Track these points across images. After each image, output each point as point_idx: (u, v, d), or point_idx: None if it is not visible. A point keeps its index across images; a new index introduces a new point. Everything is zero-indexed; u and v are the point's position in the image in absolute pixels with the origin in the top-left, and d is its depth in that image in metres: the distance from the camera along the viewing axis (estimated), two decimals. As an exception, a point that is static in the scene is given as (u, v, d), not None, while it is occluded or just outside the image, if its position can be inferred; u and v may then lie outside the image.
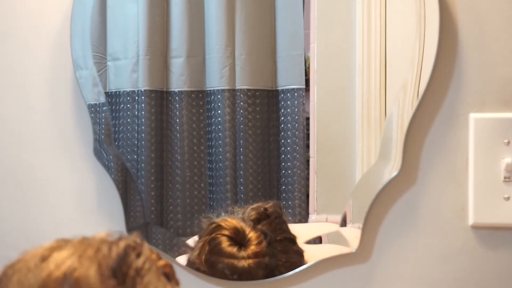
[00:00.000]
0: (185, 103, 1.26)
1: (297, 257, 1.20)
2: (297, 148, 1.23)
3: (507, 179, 1.14)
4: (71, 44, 1.25)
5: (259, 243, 1.14)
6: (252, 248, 1.13)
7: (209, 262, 1.15)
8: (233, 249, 1.13)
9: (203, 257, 1.15)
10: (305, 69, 1.23)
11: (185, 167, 1.26)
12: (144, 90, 1.26)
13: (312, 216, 1.25)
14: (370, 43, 1.20)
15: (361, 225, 1.19)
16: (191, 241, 1.24)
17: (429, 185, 1.18)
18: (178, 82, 1.26)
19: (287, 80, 1.24)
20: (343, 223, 1.23)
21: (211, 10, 1.25)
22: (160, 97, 1.26)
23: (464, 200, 1.17)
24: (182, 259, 1.23)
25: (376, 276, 1.21)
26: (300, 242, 1.21)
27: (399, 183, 1.18)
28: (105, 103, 1.27)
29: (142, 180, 1.26)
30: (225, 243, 1.13)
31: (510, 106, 1.16)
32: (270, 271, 1.16)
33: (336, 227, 1.22)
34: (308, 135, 1.24)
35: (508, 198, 1.15)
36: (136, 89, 1.27)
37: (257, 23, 1.24)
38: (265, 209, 1.18)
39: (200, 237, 1.18)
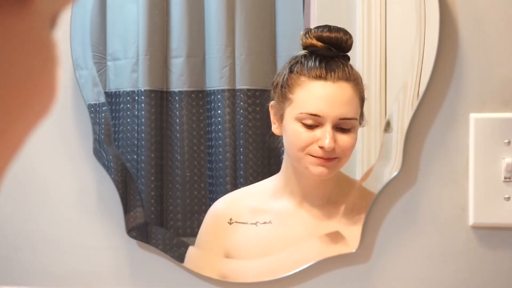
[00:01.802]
0: (185, 103, 1.26)
1: None
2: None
3: (507, 179, 1.14)
4: (71, 44, 1.25)
5: None
6: None
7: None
8: None
9: None
10: (305, 69, 1.23)
11: (185, 167, 1.26)
12: (144, 90, 1.26)
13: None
14: (370, 43, 1.20)
15: (361, 225, 1.19)
16: None
17: (429, 185, 1.18)
18: (178, 82, 1.26)
19: (287, 80, 1.24)
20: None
21: (211, 10, 1.25)
22: (160, 97, 1.26)
23: (464, 200, 1.17)
24: None
25: (376, 276, 1.21)
26: None
27: (399, 183, 1.18)
28: (105, 103, 1.27)
29: (142, 180, 1.26)
30: None
31: (510, 106, 1.15)
32: None
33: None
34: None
35: (508, 198, 1.14)
36: (136, 89, 1.26)
37: (257, 23, 1.24)
38: None
39: None
